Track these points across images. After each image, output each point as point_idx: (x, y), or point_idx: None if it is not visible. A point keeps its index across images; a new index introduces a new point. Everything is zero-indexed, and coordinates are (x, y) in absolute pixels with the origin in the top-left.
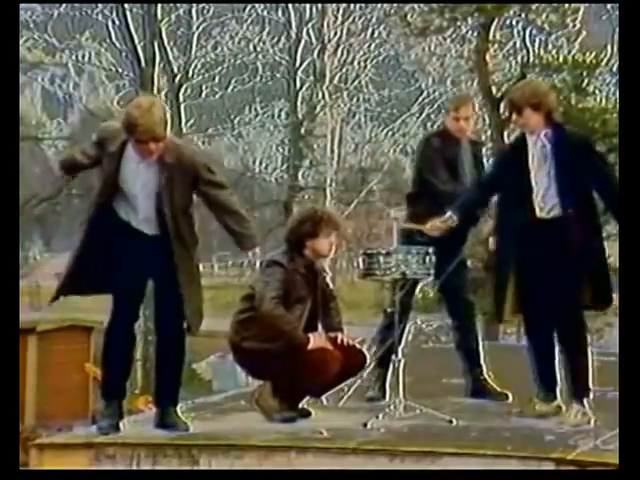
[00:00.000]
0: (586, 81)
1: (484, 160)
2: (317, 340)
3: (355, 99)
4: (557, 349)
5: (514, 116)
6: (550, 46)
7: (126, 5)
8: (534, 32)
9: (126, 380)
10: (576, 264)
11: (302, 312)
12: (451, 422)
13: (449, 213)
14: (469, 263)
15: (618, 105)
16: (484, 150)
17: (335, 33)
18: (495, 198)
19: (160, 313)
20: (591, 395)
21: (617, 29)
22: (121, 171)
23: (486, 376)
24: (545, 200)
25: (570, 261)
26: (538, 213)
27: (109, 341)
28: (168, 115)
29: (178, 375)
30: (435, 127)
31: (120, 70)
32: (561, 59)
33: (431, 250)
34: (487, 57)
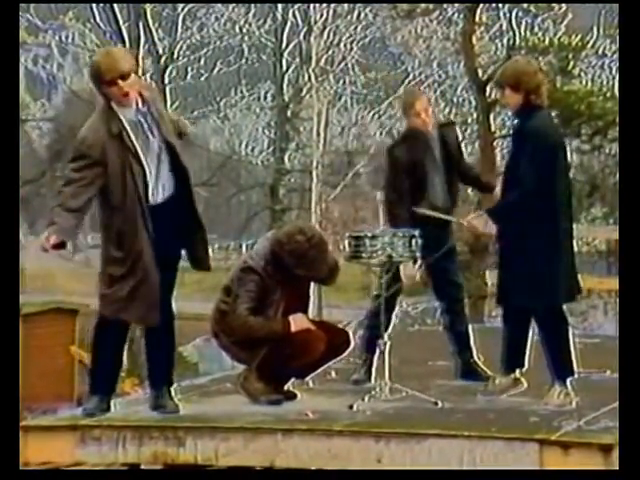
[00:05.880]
0: (572, 64)
1: (458, 139)
2: (298, 322)
3: (341, 81)
4: (538, 331)
5: (499, 94)
6: (536, 28)
7: None
8: (520, 14)
9: (116, 378)
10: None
11: (277, 307)
12: (436, 404)
13: (490, 223)
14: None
15: (618, 97)
16: (455, 128)
17: (321, 15)
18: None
19: None
20: (575, 376)
21: (603, 12)
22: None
23: (476, 359)
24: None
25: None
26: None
27: (99, 332)
28: (130, 56)
29: (169, 356)
30: None
31: None
32: (547, 41)
33: (417, 233)
34: (473, 39)
